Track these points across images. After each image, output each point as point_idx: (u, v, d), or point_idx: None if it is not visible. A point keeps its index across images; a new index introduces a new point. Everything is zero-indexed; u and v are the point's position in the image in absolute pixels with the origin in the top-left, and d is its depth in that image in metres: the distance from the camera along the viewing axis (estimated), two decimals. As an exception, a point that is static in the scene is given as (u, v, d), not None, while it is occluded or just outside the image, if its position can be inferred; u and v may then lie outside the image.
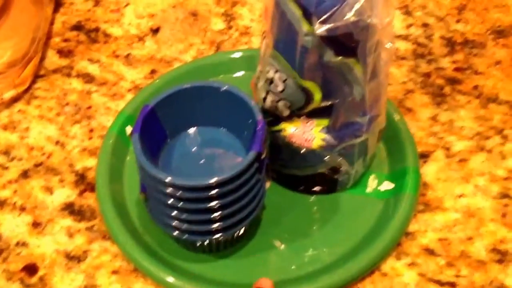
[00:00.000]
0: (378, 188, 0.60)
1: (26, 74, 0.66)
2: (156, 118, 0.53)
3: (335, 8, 0.45)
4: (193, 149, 0.55)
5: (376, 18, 0.46)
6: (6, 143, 0.64)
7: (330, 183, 0.58)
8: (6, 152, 0.63)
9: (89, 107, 0.66)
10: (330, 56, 0.48)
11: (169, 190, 0.49)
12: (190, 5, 0.75)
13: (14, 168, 0.62)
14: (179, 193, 0.49)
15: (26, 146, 0.64)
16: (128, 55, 0.71)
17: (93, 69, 0.70)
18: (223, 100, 0.54)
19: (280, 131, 0.55)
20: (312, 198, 0.59)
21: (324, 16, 0.46)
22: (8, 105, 0.66)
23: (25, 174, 0.62)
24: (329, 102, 0.51)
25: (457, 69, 0.69)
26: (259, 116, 0.51)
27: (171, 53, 0.71)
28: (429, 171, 0.61)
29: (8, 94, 0.65)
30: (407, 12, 0.74)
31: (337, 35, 0.46)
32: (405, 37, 0.72)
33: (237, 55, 0.68)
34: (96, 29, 0.73)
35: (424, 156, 0.62)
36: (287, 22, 0.48)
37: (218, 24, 0.74)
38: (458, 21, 0.73)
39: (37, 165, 0.62)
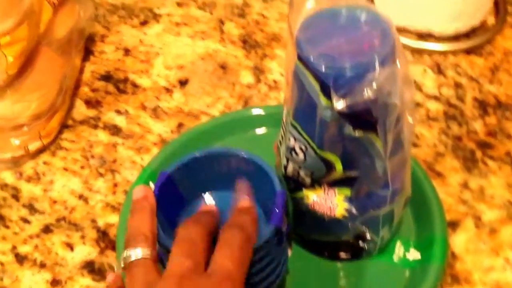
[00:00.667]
0: (405, 256, 0.58)
1: (52, 125, 0.66)
2: (173, 184, 0.52)
3: (353, 84, 0.44)
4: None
5: (395, 96, 0.44)
6: (29, 195, 0.64)
7: (356, 249, 0.57)
8: (29, 205, 0.63)
9: (114, 161, 0.66)
10: (349, 130, 0.47)
11: None
12: (219, 57, 0.75)
13: (36, 222, 0.62)
14: None
15: (49, 200, 0.63)
16: (155, 107, 0.71)
17: (120, 120, 0.69)
18: (244, 166, 0.53)
19: (302, 198, 0.54)
20: (338, 264, 0.58)
21: (342, 91, 0.44)
22: (33, 156, 0.66)
23: (47, 229, 0.61)
24: (351, 174, 0.50)
25: (489, 133, 0.67)
26: (279, 187, 0.50)
27: (199, 106, 0.70)
28: (458, 240, 0.59)
29: (34, 146, 0.65)
30: (439, 71, 0.73)
31: (356, 111, 0.45)
32: (436, 98, 0.70)
33: (264, 111, 0.67)
34: (125, 80, 0.73)
35: (453, 224, 0.60)
36: (306, 94, 0.47)
37: (247, 77, 0.73)
38: (491, 82, 0.72)
39: (59, 220, 0.62)
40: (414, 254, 0.58)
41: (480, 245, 0.59)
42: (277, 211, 0.49)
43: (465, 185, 0.63)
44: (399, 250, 0.58)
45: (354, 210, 0.52)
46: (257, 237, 0.47)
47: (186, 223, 0.47)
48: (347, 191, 0.52)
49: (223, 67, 0.74)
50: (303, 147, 0.49)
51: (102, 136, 0.68)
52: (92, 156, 0.66)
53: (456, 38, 0.75)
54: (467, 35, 0.76)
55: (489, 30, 0.76)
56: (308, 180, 0.52)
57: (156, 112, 0.70)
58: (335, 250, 0.57)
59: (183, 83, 0.73)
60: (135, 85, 0.73)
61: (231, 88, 0.72)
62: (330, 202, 0.52)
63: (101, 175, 0.65)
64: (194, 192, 0.54)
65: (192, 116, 0.70)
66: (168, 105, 0.71)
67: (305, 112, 0.48)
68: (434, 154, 0.65)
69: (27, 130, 0.64)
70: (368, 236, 0.55)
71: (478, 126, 0.68)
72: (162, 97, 0.72)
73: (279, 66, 0.74)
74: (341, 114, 0.45)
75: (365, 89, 0.43)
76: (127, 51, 0.76)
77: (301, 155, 0.50)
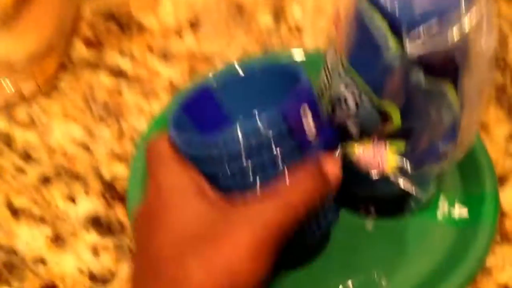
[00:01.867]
0: (451, 213, 0.52)
1: (48, 65, 0.59)
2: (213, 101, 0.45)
3: (433, 22, 0.37)
4: None
5: (486, 41, 0.38)
6: (24, 143, 0.56)
7: (397, 206, 0.50)
8: (25, 154, 0.56)
9: (119, 106, 0.59)
10: (419, 78, 0.40)
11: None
12: (234, -4, 0.68)
13: (33, 173, 0.54)
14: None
15: (47, 148, 0.56)
16: (164, 49, 0.63)
17: (124, 62, 0.62)
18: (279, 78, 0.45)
19: (345, 150, 0.47)
20: (375, 221, 0.51)
21: (418, 33, 0.37)
22: (27, 100, 0.59)
23: (45, 180, 0.54)
24: (410, 125, 0.44)
25: (534, 82, 0.61)
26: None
27: (212, 50, 0.63)
28: (507, 197, 0.53)
29: (28, 88, 0.58)
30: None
31: (434, 57, 0.38)
32: (474, 43, 0.64)
33: (290, 57, 0.60)
34: (129, 19, 0.66)
35: (501, 179, 0.54)
36: (368, 34, 0.39)
37: (266, 18, 0.66)
38: (533, 27, 0.65)
39: (58, 170, 0.55)
40: (460, 211, 0.52)
41: (533, 202, 0.53)
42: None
43: (511, 138, 0.57)
44: (443, 205, 0.52)
45: (407, 166, 0.45)
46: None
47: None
48: (400, 145, 0.45)
49: (238, 5, 0.67)
50: (357, 96, 0.42)
51: (105, 79, 0.61)
52: (94, 101, 0.59)
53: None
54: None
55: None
56: (355, 132, 0.45)
57: (164, 55, 0.63)
58: (373, 206, 0.51)
59: (194, 24, 0.65)
60: (140, 26, 0.65)
61: (248, 31, 0.65)
62: (380, 156, 0.46)
63: (104, 121, 0.58)
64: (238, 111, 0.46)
65: (204, 59, 0.62)
66: (178, 47, 0.63)
67: (364, 57, 0.41)
68: (477, 103, 0.59)
69: (20, 70, 0.56)
70: (415, 192, 0.49)
71: (522, 74, 0.61)
72: (171, 39, 0.64)
73: (301, 5, 0.66)
74: (413, 58, 0.38)
75: (448, 32, 0.36)
76: (130, -12, 0.68)
77: (352, 106, 0.43)
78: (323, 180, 0.41)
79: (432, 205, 0.52)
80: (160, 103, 0.59)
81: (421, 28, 0.37)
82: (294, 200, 0.39)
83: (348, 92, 0.43)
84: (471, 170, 0.53)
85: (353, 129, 0.45)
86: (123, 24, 0.65)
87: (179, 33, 0.64)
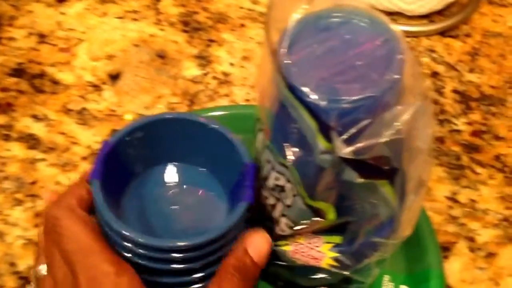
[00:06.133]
0: (395, 293, 0.49)
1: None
2: (118, 157, 0.43)
3: (364, 123, 0.34)
4: (166, 189, 0.45)
5: (422, 138, 0.35)
6: None
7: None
8: None
9: (34, 182, 0.54)
10: (351, 177, 0.36)
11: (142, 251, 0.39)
12: (156, 43, 0.63)
13: None
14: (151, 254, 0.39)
15: (-46, 238, 0.51)
16: (82, 110, 0.58)
17: (38, 128, 0.57)
18: (206, 136, 0.44)
19: (278, 245, 0.44)
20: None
21: (349, 133, 0.34)
22: None
23: (-49, 279, 0.49)
24: (344, 220, 0.40)
25: (474, 133, 0.59)
26: (247, 159, 0.42)
27: (135, 107, 0.58)
28: (452, 269, 0.51)
29: None
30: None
31: (367, 157, 0.35)
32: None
33: (216, 113, 0.56)
34: (42, 75, 0.60)
35: (445, 249, 0.52)
36: (297, 131, 0.36)
37: (191, 69, 0.61)
38: (471, 70, 0.63)
39: (-31, 265, 0.50)
40: (404, 291, 0.49)
41: (477, 273, 0.51)
42: (248, 186, 0.41)
43: (453, 199, 0.54)
44: (387, 286, 0.50)
45: (346, 261, 0.42)
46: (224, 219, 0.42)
47: None
48: (336, 239, 0.42)
49: (162, 56, 0.62)
50: (294, 192, 0.39)
51: (17, 150, 0.55)
52: (6, 178, 0.54)
53: (429, 17, 0.66)
54: (441, 13, 0.66)
55: (464, 7, 0.67)
56: (286, 231, 0.42)
57: (83, 117, 0.58)
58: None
59: (114, 77, 0.60)
60: (54, 82, 0.60)
61: (173, 83, 0.60)
62: (315, 251, 0.42)
63: (18, 202, 0.53)
64: (148, 162, 0.45)
65: (127, 120, 0.58)
66: (97, 106, 0.58)
67: (294, 150, 0.37)
68: (416, 162, 0.56)
69: None
70: (356, 278, 0.46)
71: (461, 125, 0.59)
72: (89, 96, 0.59)
73: (229, 54, 0.62)
74: (345, 160, 0.34)
75: (381, 131, 0.33)
76: (42, 37, 0.63)
77: (289, 200, 0.39)
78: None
79: (375, 284, 0.49)
80: (78, 175, 0.54)
81: (351, 128, 0.34)
82: None
83: (288, 185, 0.40)
84: (415, 248, 0.50)
85: (285, 228, 0.42)
86: (35, 81, 0.59)
87: (98, 88, 0.59)
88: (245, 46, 0.62)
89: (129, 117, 0.57)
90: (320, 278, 0.46)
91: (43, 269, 0.41)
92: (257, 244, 0.41)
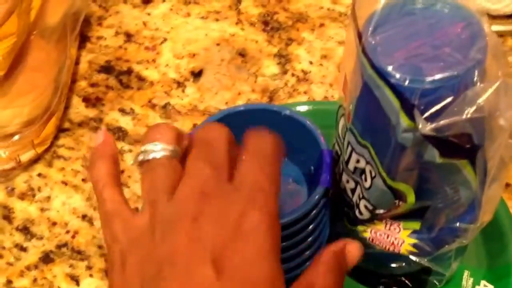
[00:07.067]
0: (475, 289, 0.49)
1: (47, 131, 0.56)
2: None
3: (447, 101, 0.34)
4: None
5: (504, 116, 0.35)
6: (24, 216, 0.54)
7: (419, 283, 0.48)
8: (25, 228, 0.53)
9: (122, 171, 0.56)
10: (433, 157, 0.37)
11: None
12: (237, 42, 0.65)
13: (34, 250, 0.52)
14: None
15: (47, 221, 0.54)
16: (166, 105, 0.60)
17: (125, 121, 0.59)
18: (283, 125, 0.45)
19: (356, 231, 0.44)
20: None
21: (431, 110, 0.35)
22: (26, 168, 0.56)
23: (46, 258, 0.52)
24: (424, 204, 0.41)
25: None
26: (325, 146, 0.44)
27: (216, 103, 0.60)
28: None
29: (26, 156, 0.55)
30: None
31: (449, 135, 0.35)
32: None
33: (296, 108, 0.57)
34: (129, 71, 0.63)
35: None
36: (379, 108, 0.37)
37: (271, 67, 0.63)
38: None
39: (60, 246, 0.52)
40: None
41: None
42: (326, 171, 0.43)
43: (534, 195, 0.54)
44: (467, 282, 0.49)
45: (424, 247, 0.43)
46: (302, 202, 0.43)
47: (204, 126, 0.39)
48: (415, 225, 0.42)
49: (242, 54, 0.64)
50: (373, 173, 0.40)
51: (106, 140, 0.58)
52: (96, 166, 0.56)
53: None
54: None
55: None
56: (366, 215, 0.43)
57: (166, 111, 0.60)
58: (394, 283, 0.48)
59: (196, 74, 0.63)
60: (140, 78, 0.62)
61: (253, 81, 0.62)
62: (394, 237, 0.43)
63: (107, 189, 0.55)
64: None
65: (208, 115, 0.60)
66: (180, 102, 0.61)
67: (376, 133, 0.38)
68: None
69: (18, 139, 0.54)
70: (435, 269, 0.46)
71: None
72: (173, 92, 0.61)
73: (308, 53, 0.64)
74: (427, 137, 0.35)
75: (463, 108, 0.34)
76: (129, 36, 0.66)
77: (368, 182, 0.40)
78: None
79: (455, 279, 0.49)
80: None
81: (434, 105, 0.35)
82: None
83: (367, 167, 0.41)
84: (495, 242, 0.50)
85: (364, 212, 0.43)
86: (122, 78, 0.62)
87: (181, 85, 0.62)
88: (324, 45, 0.64)
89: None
90: (399, 266, 0.47)
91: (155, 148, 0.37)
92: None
